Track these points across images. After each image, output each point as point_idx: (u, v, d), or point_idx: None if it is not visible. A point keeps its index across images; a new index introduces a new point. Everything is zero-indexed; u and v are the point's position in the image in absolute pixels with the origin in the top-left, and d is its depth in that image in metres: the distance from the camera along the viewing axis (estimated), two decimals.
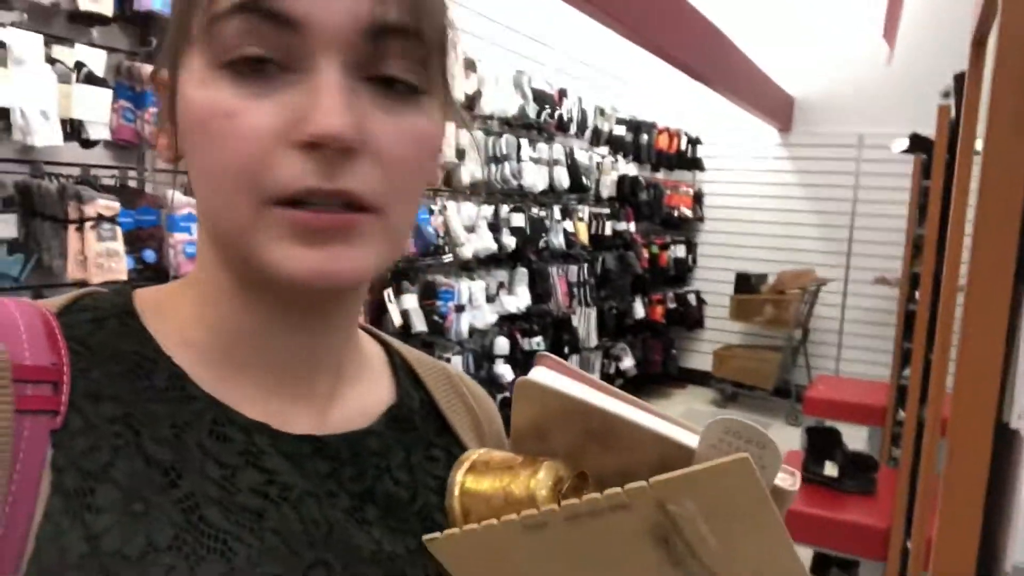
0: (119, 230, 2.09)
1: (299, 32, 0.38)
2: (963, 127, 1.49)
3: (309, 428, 0.47)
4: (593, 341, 5.11)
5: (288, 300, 0.45)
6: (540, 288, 4.38)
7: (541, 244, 4.37)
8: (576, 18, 3.10)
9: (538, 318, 4.44)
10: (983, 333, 0.86)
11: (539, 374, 0.38)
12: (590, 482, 0.39)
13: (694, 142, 6.23)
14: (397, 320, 3.27)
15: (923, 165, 3.21)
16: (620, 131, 5.34)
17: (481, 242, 3.75)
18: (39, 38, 1.95)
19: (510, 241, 4.03)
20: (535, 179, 4.19)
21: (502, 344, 4.06)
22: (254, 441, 0.44)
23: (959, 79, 1.95)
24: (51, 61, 1.99)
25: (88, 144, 2.11)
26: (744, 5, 5.35)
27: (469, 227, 3.69)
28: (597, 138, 5.08)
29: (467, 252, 3.63)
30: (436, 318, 3.47)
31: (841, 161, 6.04)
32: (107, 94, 2.09)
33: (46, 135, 1.92)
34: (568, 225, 4.70)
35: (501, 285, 4.15)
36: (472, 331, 3.79)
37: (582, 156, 4.80)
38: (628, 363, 5.55)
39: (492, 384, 3.94)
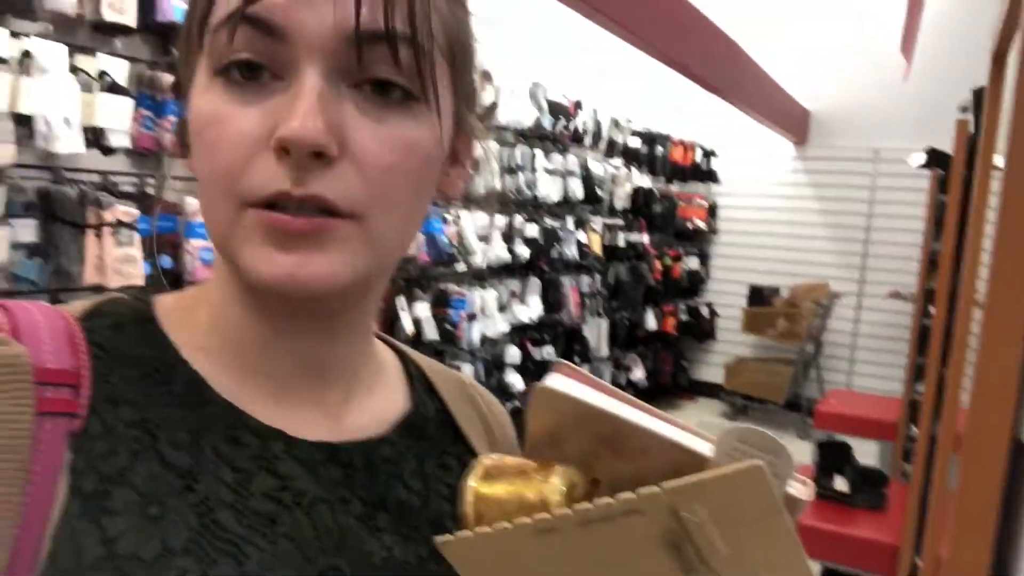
0: (137, 236, 2.11)
1: (284, 40, 0.39)
2: (983, 142, 1.48)
3: (323, 435, 0.47)
4: (604, 352, 5.10)
5: (291, 307, 0.45)
6: (552, 298, 4.38)
7: (554, 254, 4.37)
8: (591, 30, 3.11)
9: (549, 328, 4.44)
10: (1000, 349, 0.85)
11: (555, 381, 0.39)
12: (603, 489, 0.39)
13: (709, 155, 6.22)
14: (409, 328, 3.28)
15: (940, 180, 3.19)
16: (635, 143, 5.35)
17: (493, 251, 3.76)
18: (63, 48, 1.98)
19: (523, 251, 4.04)
20: (549, 190, 4.20)
21: (513, 353, 4.06)
22: (268, 447, 0.44)
23: (978, 94, 1.95)
24: (74, 70, 2.03)
25: (109, 151, 2.14)
26: (760, 18, 5.35)
27: (483, 237, 3.70)
28: (611, 150, 5.09)
29: (480, 261, 3.65)
30: (448, 326, 3.48)
31: (857, 175, 6.01)
32: (128, 103, 2.12)
33: (68, 142, 1.96)
34: (581, 236, 4.71)
35: (513, 295, 4.16)
36: (484, 340, 3.80)
37: (596, 168, 4.81)
38: (639, 374, 5.53)
39: (502, 393, 3.94)
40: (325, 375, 0.49)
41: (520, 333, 4.21)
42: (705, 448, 0.37)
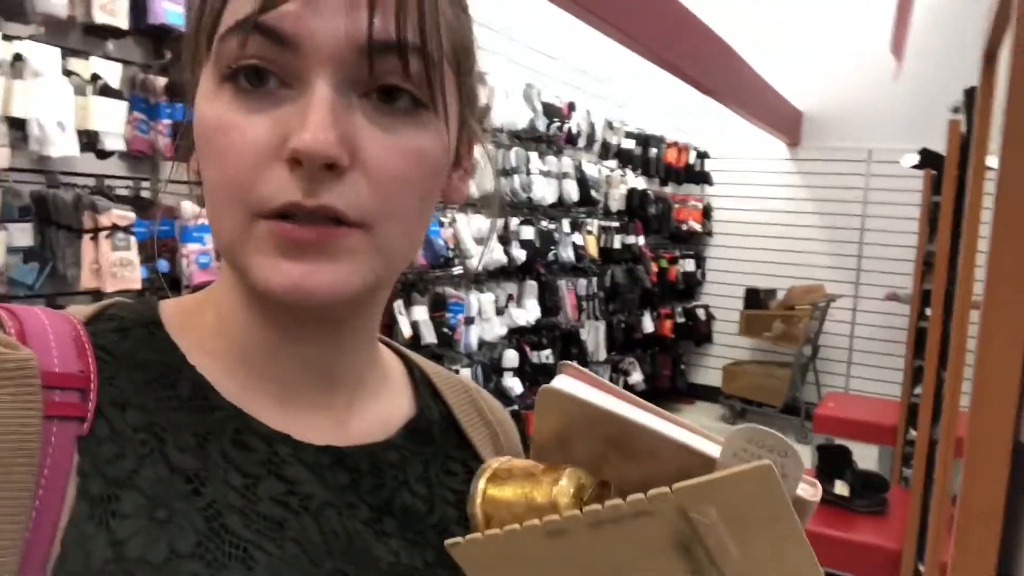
0: (133, 240, 2.11)
1: (295, 49, 0.39)
2: (975, 142, 1.49)
3: (329, 439, 0.47)
4: (602, 355, 5.10)
5: (298, 314, 0.45)
6: (549, 301, 4.38)
7: (550, 257, 4.38)
8: (585, 32, 3.12)
9: (547, 331, 4.44)
10: (1000, 351, 0.85)
11: (562, 382, 0.39)
12: (612, 491, 0.39)
13: (702, 156, 6.24)
14: (407, 332, 3.27)
15: (933, 180, 3.20)
16: (629, 145, 5.36)
17: (491, 255, 3.76)
18: (56, 51, 1.97)
19: (520, 254, 4.04)
20: (544, 192, 4.20)
21: (511, 357, 4.05)
22: (276, 451, 0.44)
23: (969, 93, 1.96)
24: (67, 73, 2.02)
25: (103, 155, 2.13)
26: (752, 20, 5.37)
27: (479, 239, 3.70)
28: (606, 151, 5.09)
29: (476, 264, 3.64)
30: (446, 330, 3.48)
31: (850, 176, 6.03)
32: (122, 106, 2.12)
33: (63, 146, 1.95)
34: (577, 238, 4.71)
35: (510, 298, 4.16)
36: (481, 343, 3.79)
37: (591, 169, 4.82)
38: (637, 377, 5.54)
39: (501, 397, 3.93)
40: (331, 381, 0.49)
41: (518, 336, 4.21)
42: (713, 449, 0.36)
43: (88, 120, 2.04)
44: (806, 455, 4.17)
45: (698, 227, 6.30)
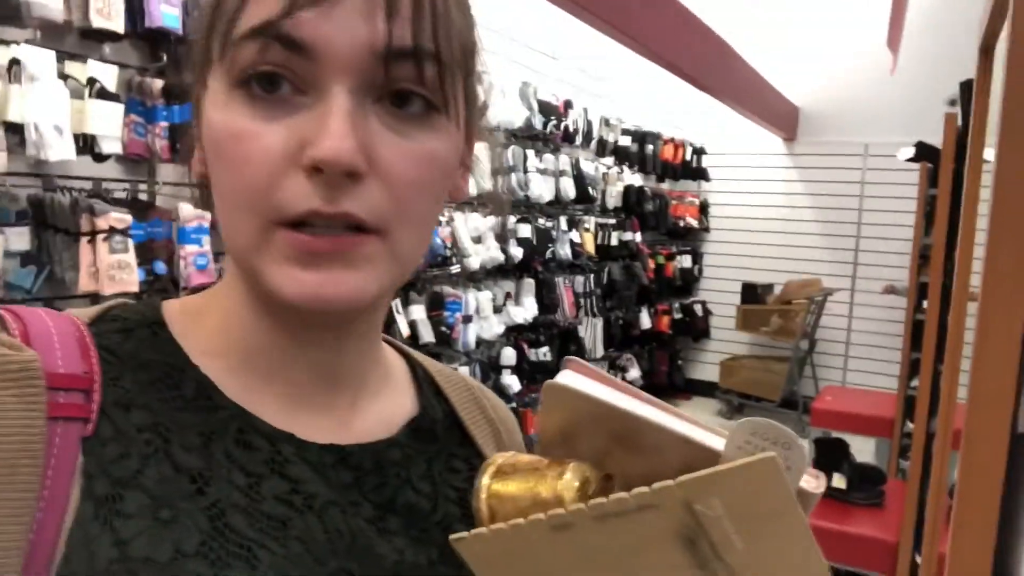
0: (131, 242, 2.10)
1: (311, 57, 0.39)
2: (972, 135, 1.49)
3: (332, 438, 0.47)
4: (600, 351, 5.11)
5: (306, 318, 0.45)
6: (547, 299, 4.38)
7: (548, 255, 4.38)
8: (581, 29, 3.12)
9: (545, 328, 4.44)
10: (998, 343, 0.85)
11: (566, 378, 0.39)
12: (616, 485, 0.39)
13: (699, 152, 6.24)
14: (405, 330, 3.27)
15: (930, 173, 3.21)
16: (625, 142, 5.36)
17: (488, 253, 3.76)
18: (52, 55, 1.97)
19: (517, 252, 4.04)
20: (541, 190, 4.20)
21: (509, 355, 4.05)
22: (279, 450, 0.44)
23: (965, 86, 1.96)
24: (64, 77, 2.01)
25: (100, 158, 2.13)
26: (748, 16, 5.37)
27: (476, 238, 3.70)
28: (602, 149, 5.09)
29: (474, 263, 3.64)
30: (443, 329, 3.48)
31: (847, 170, 6.04)
32: (119, 109, 2.11)
33: (60, 149, 1.94)
34: (574, 236, 4.71)
35: (508, 296, 4.16)
36: (479, 342, 3.79)
37: (588, 167, 4.82)
38: (634, 374, 5.54)
39: (499, 394, 3.90)
40: (335, 381, 0.49)
41: (516, 334, 4.21)
42: (717, 443, 0.37)
43: (85, 123, 2.04)
44: (804, 448, 4.18)
45: (695, 223, 6.30)
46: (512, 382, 4.00)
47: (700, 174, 6.26)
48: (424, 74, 0.40)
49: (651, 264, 5.79)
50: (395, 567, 0.45)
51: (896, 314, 5.43)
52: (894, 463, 3.40)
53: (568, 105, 4.55)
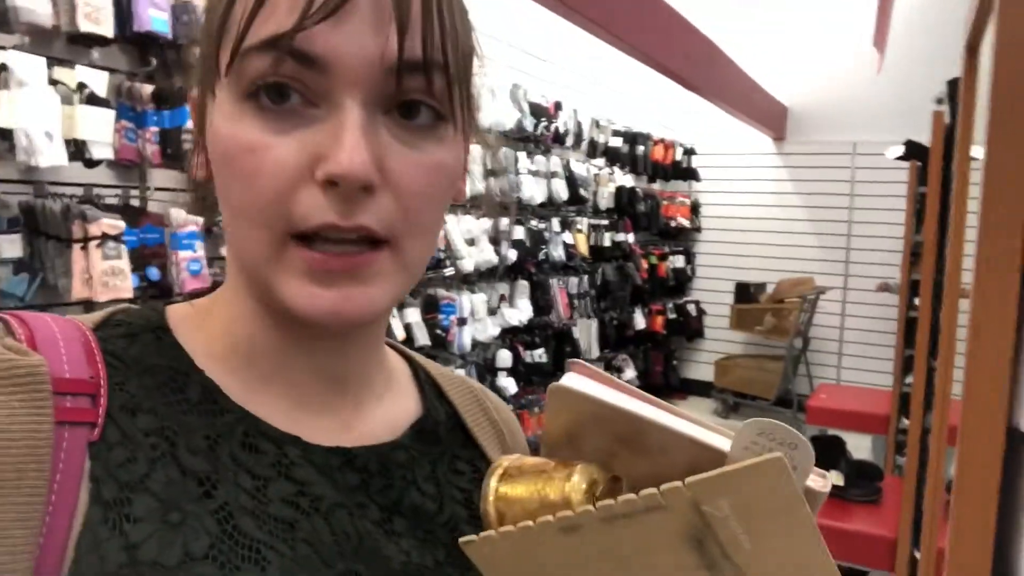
0: (124, 248, 2.09)
1: (323, 70, 0.39)
2: (960, 132, 1.50)
3: (337, 441, 0.47)
4: (595, 352, 5.11)
5: (311, 326, 0.45)
6: (541, 300, 4.39)
7: (541, 256, 4.38)
8: (570, 31, 3.13)
9: (540, 330, 4.44)
10: (991, 338, 0.86)
11: (571, 380, 0.39)
12: (623, 486, 0.39)
13: (689, 152, 6.26)
14: (400, 334, 3.27)
15: (919, 171, 3.23)
16: (616, 143, 5.37)
17: (482, 255, 3.76)
18: (41, 60, 1.96)
19: (510, 254, 4.04)
20: (533, 192, 4.21)
21: (504, 357, 4.05)
22: (285, 453, 0.45)
23: (952, 84, 1.97)
24: (53, 83, 2.00)
25: (91, 164, 2.12)
26: (735, 16, 5.40)
27: (469, 240, 3.70)
28: (593, 150, 5.10)
29: (468, 265, 3.64)
30: (438, 331, 3.47)
31: (836, 169, 6.07)
32: (110, 114, 2.10)
33: (51, 156, 1.93)
34: (567, 237, 4.71)
35: (502, 298, 4.16)
36: (474, 344, 3.79)
37: (579, 168, 4.82)
38: (630, 374, 5.55)
39: None
40: (339, 385, 0.49)
41: (511, 336, 4.21)
42: (723, 443, 0.37)
43: (75, 129, 2.03)
44: None
45: (687, 223, 6.32)
46: (508, 384, 4.00)
47: (691, 174, 6.28)
48: (433, 85, 0.41)
49: (644, 264, 5.80)
50: (402, 568, 0.45)
51: (889, 311, 5.46)
52: (890, 459, 3.41)
53: (558, 106, 4.55)
